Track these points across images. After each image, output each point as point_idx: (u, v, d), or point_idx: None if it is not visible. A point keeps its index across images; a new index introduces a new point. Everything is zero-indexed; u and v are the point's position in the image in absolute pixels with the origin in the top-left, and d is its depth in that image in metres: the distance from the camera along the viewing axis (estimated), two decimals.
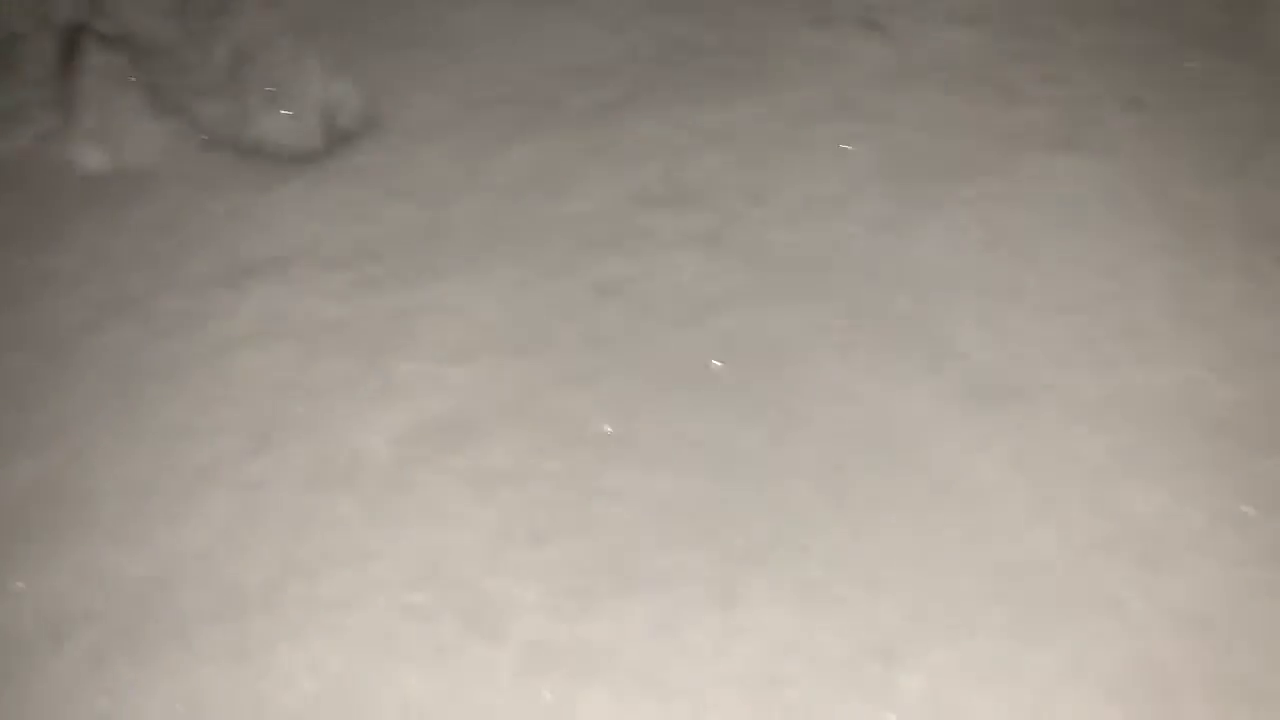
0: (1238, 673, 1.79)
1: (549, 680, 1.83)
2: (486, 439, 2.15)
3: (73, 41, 2.88)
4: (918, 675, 1.82)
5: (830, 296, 2.34)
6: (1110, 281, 2.32)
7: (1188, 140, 2.62)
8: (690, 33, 2.91)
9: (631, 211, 2.48)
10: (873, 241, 2.42)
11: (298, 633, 1.93)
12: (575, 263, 2.41)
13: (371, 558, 2.01)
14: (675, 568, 1.95)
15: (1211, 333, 2.22)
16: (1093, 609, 1.87)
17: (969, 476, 2.06)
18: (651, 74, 2.78)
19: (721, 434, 2.14)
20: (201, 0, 3.00)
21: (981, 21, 2.93)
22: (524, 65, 2.86)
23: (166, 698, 1.88)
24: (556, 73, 2.83)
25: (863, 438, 2.12)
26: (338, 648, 1.91)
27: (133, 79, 2.81)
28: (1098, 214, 2.45)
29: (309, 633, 1.93)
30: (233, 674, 1.90)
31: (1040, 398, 2.15)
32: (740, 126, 2.65)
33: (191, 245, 2.55)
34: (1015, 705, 1.78)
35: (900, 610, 1.89)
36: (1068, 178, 2.51)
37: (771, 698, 1.79)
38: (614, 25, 2.96)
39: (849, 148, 2.58)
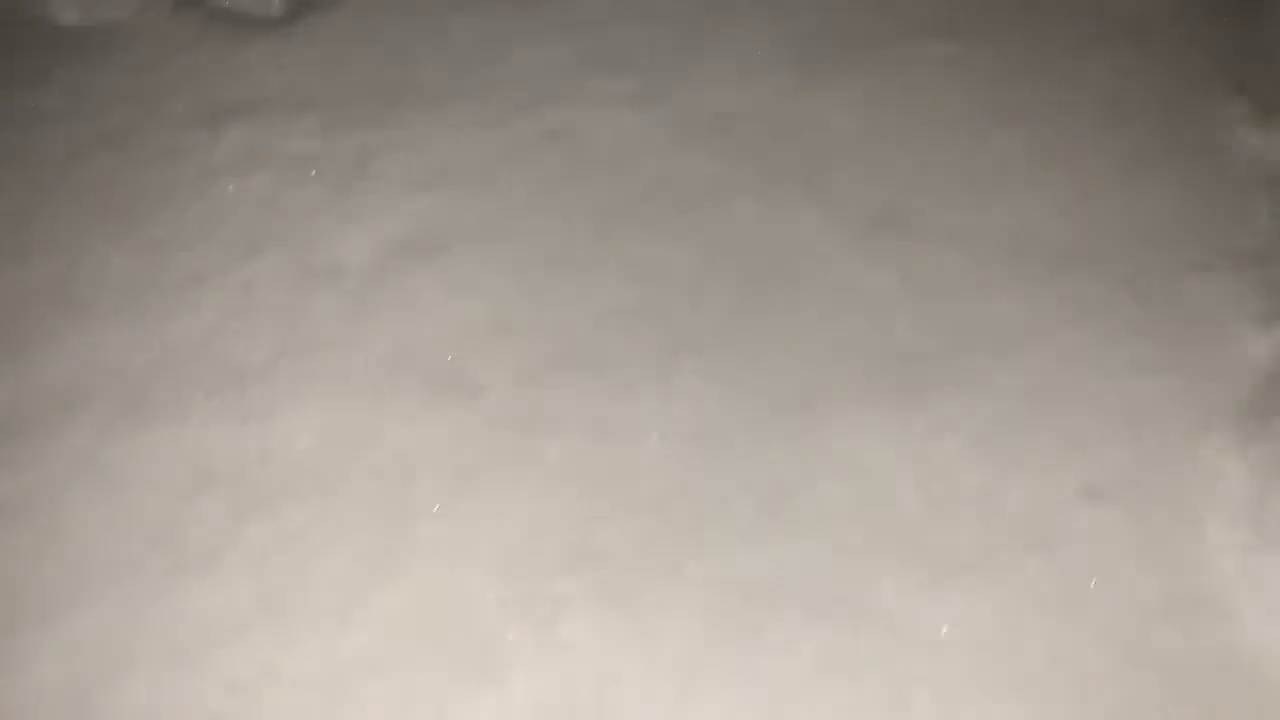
0: (1074, 429, 2.18)
1: (518, 433, 2.12)
2: (451, 254, 2.42)
3: None
4: (821, 432, 2.16)
5: (744, 149, 2.67)
6: (977, 138, 2.70)
7: (1053, 31, 3.01)
8: None
9: (575, 73, 2.78)
10: (779, 105, 2.76)
11: (293, 400, 2.17)
12: (523, 114, 2.69)
13: (354, 343, 2.27)
14: (622, 352, 2.26)
15: (1055, 181, 2.62)
16: (961, 385, 2.25)
17: (862, 289, 2.41)
18: None
19: (654, 254, 2.45)
20: None
21: None
22: None
23: (176, 458, 2.10)
24: None
25: (773, 259, 2.46)
26: (330, 412, 2.16)
27: None
28: (970, 86, 2.84)
29: (303, 400, 2.17)
30: (236, 436, 2.13)
31: (921, 230, 2.52)
32: (670, 2, 2.96)
33: (167, 89, 2.74)
34: (899, 452, 2.13)
35: (804, 385, 2.23)
36: (945, 58, 2.89)
37: (706, 444, 2.12)
38: None
39: None
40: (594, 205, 2.52)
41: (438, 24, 2.88)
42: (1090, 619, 1.89)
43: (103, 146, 2.60)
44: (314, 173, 2.52)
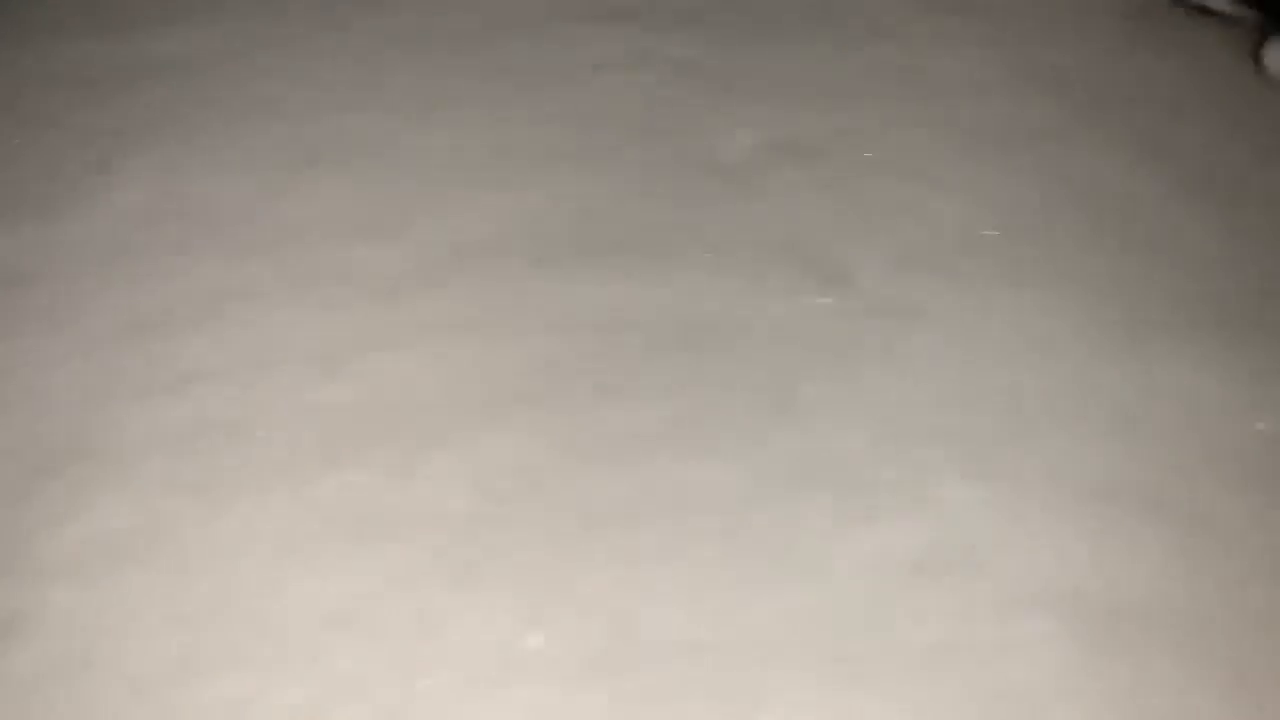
0: None
1: (885, 321, 2.32)
2: (821, 158, 2.64)
3: None
4: (1150, 360, 2.30)
5: (1078, 97, 2.84)
6: None
7: None
8: None
9: (922, 12, 2.96)
10: (1111, 62, 2.94)
11: (686, 269, 2.40)
12: (876, 44, 2.92)
13: (735, 228, 2.49)
14: (974, 263, 2.45)
15: None
16: None
17: (1185, 240, 2.54)
18: None
19: (1001, 184, 2.62)
20: None
21: None
22: None
23: (588, 304, 2.34)
24: None
25: (1106, 202, 2.61)
26: (716, 284, 2.37)
27: None
28: None
29: (696, 269, 2.41)
30: (640, 290, 2.36)
31: (1243, 195, 2.64)
32: None
33: None
34: (1224, 389, 2.25)
35: (1132, 318, 2.36)
36: None
37: (1051, 353, 2.29)
38: None
39: None
40: (944, 132, 2.71)
41: None
42: None
43: (498, 31, 2.89)
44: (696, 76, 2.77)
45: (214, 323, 2.30)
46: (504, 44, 2.86)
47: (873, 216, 2.52)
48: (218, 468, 2.05)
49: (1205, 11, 3.06)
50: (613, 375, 2.21)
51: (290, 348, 2.25)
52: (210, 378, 2.20)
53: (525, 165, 2.59)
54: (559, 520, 1.98)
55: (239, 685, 1.75)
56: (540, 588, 1.88)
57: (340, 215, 2.52)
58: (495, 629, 1.82)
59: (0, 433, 2.10)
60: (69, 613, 1.84)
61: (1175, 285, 2.47)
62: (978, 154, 2.66)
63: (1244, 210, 2.61)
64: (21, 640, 1.80)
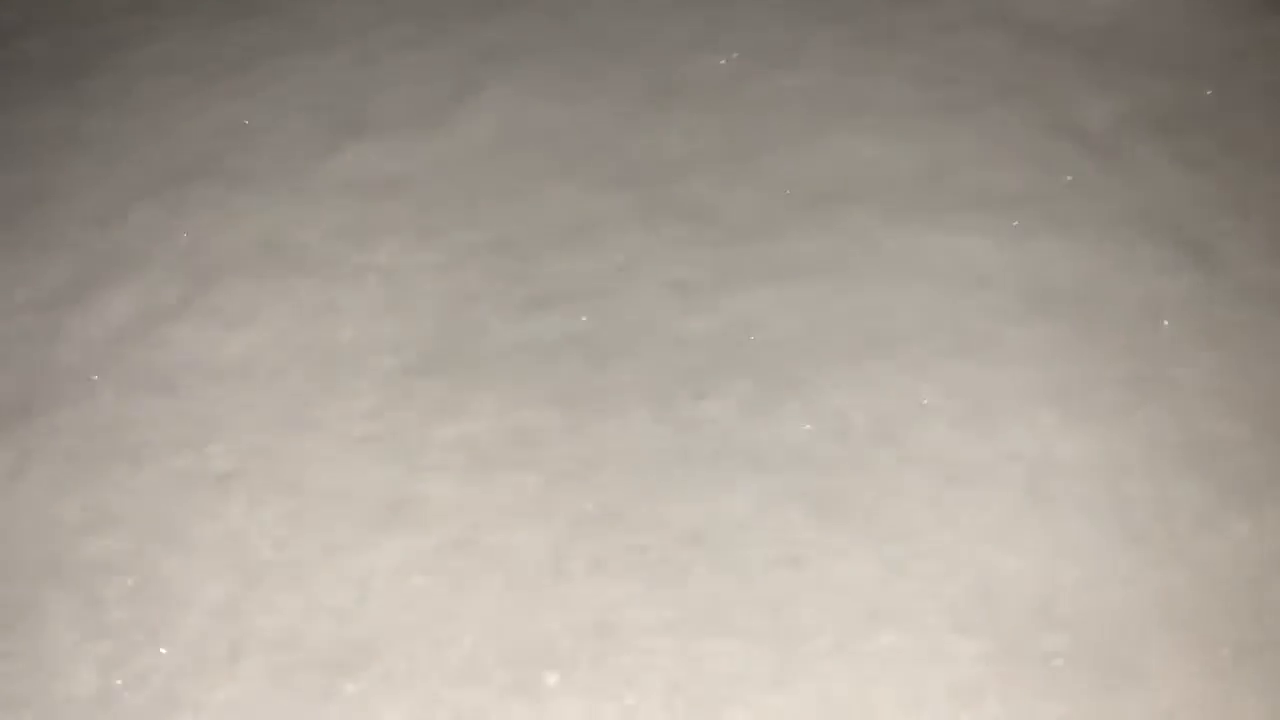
0: None
1: (1259, 306, 2.17)
2: (1183, 134, 2.50)
3: None
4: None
5: None
6: None
7: None
8: None
9: None
10: None
11: (1049, 228, 2.32)
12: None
13: (1096, 195, 2.38)
14: None
15: None
16: None
17: None
18: None
19: None
20: None
21: None
22: None
23: (943, 256, 2.28)
24: None
25: None
26: (1077, 252, 2.27)
27: None
28: None
29: (1056, 230, 2.31)
30: (995, 248, 2.29)
31: None
32: None
33: None
34: None
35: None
36: None
37: None
38: None
39: None
40: None
41: None
42: None
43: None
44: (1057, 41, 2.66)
45: (571, 247, 2.36)
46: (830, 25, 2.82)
47: (1238, 198, 2.36)
48: (580, 384, 2.10)
49: None
50: (965, 333, 2.14)
51: (644, 278, 2.28)
52: (569, 297, 2.25)
53: (879, 117, 2.54)
54: (915, 471, 1.93)
55: (606, 592, 1.78)
56: (899, 534, 1.84)
57: (689, 154, 2.54)
58: (859, 572, 1.79)
59: (378, 334, 2.21)
60: (448, 504, 1.92)
61: None
62: None
63: None
64: (405, 526, 1.89)
